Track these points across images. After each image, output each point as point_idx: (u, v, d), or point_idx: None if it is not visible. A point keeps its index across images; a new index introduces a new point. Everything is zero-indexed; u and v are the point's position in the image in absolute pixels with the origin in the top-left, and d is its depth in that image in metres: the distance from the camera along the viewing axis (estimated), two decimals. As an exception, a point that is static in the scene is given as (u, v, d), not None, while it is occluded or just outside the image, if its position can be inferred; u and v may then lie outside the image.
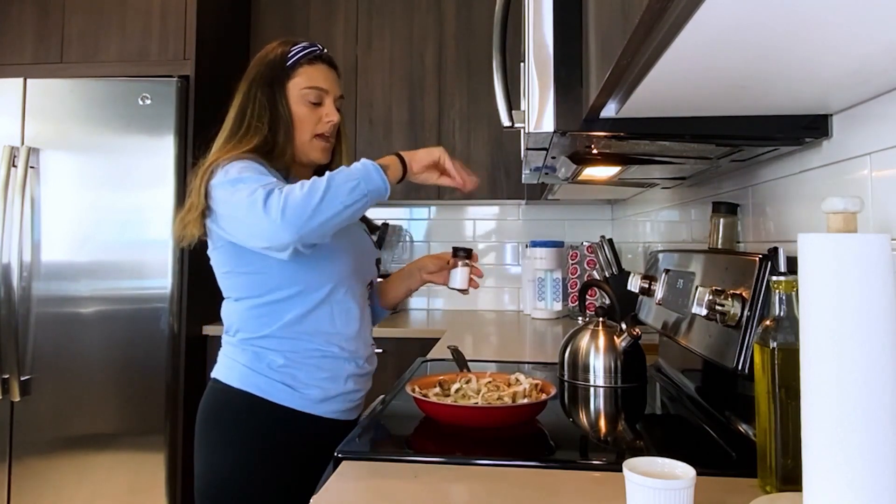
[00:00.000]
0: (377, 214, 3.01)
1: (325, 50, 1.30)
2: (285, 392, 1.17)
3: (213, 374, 1.22)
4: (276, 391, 1.16)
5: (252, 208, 1.03)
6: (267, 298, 1.18)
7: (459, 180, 1.19)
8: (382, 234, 2.90)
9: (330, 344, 1.21)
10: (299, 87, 1.23)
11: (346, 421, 1.25)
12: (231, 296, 1.22)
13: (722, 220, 1.36)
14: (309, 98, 1.24)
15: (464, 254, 1.38)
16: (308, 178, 1.29)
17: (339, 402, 1.23)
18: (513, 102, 1.10)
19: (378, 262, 1.41)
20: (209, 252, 1.23)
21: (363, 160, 1.10)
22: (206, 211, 1.14)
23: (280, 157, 1.21)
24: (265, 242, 1.05)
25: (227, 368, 1.20)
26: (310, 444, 1.18)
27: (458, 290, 1.37)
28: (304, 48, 1.25)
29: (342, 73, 1.35)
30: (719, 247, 1.36)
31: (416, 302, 3.17)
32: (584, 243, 2.84)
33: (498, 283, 3.16)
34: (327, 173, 1.07)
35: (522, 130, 1.07)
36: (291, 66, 1.24)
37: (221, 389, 1.19)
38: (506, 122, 1.09)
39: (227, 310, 1.24)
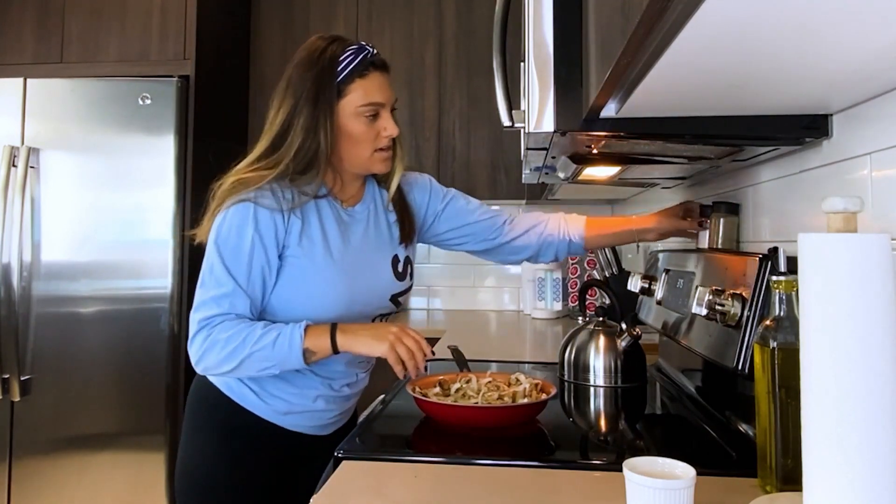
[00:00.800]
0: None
1: (376, 51, 1.17)
2: (251, 397, 1.15)
3: None
4: (243, 394, 1.15)
5: (191, 323, 1.10)
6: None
7: (401, 372, 1.08)
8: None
9: (303, 369, 1.13)
10: (354, 104, 1.12)
11: (314, 436, 1.21)
12: None
13: (722, 219, 1.36)
14: (365, 114, 1.14)
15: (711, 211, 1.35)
16: (354, 186, 1.23)
17: (305, 418, 1.18)
18: (513, 102, 1.10)
19: (404, 293, 1.27)
20: None
21: (293, 335, 1.04)
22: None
23: (314, 174, 1.13)
24: None
25: None
26: (271, 452, 1.17)
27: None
28: (355, 55, 1.13)
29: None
30: (719, 247, 1.36)
31: (416, 302, 3.17)
32: (584, 243, 2.84)
33: (498, 283, 3.16)
34: (253, 339, 1.04)
35: (522, 130, 1.07)
36: (343, 82, 1.12)
37: (201, 382, 1.20)
38: (506, 121, 1.09)
39: None
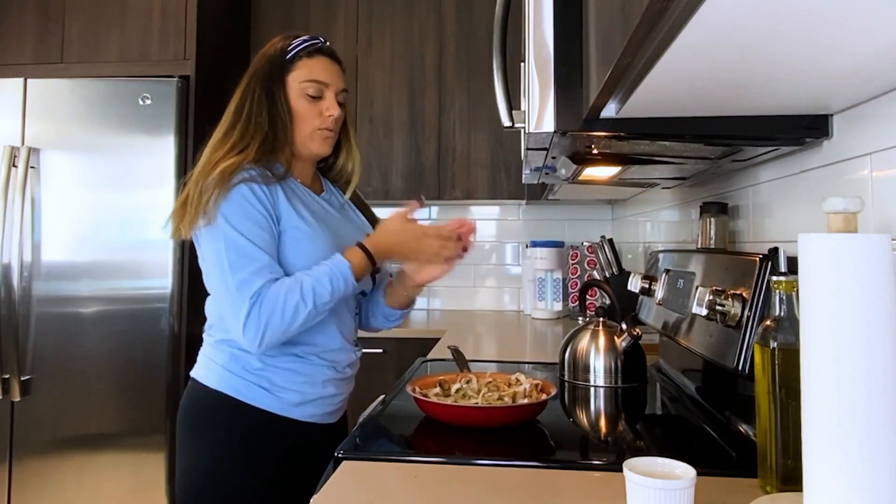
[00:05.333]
0: (378, 215, 3.00)
1: (327, 42, 1.25)
2: (262, 394, 1.14)
3: (192, 374, 1.21)
4: (253, 393, 1.14)
5: (233, 310, 1.07)
6: None
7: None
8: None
9: (307, 354, 1.17)
10: (298, 80, 1.19)
11: (325, 424, 1.22)
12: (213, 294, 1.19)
13: (713, 220, 1.36)
14: (308, 91, 1.19)
15: None
16: (309, 175, 1.26)
17: (317, 406, 1.19)
18: (513, 102, 1.10)
19: (377, 270, 1.31)
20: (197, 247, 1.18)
21: (341, 268, 1.09)
22: (196, 223, 1.11)
23: (280, 153, 1.18)
24: (234, 336, 1.11)
25: (205, 368, 1.18)
26: (287, 448, 1.16)
27: None
28: (304, 41, 1.21)
29: (346, 69, 1.30)
30: (712, 246, 1.36)
31: (416, 302, 3.17)
32: (585, 243, 2.84)
33: (498, 283, 3.16)
34: (310, 288, 1.07)
35: (523, 130, 1.07)
36: (290, 60, 1.20)
37: (199, 389, 1.17)
38: (506, 122, 1.09)
39: (209, 306, 1.22)
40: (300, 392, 1.16)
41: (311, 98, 1.20)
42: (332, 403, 1.22)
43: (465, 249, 1.22)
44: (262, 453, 1.14)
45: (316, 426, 1.20)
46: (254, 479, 1.13)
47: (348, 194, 1.34)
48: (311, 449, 1.19)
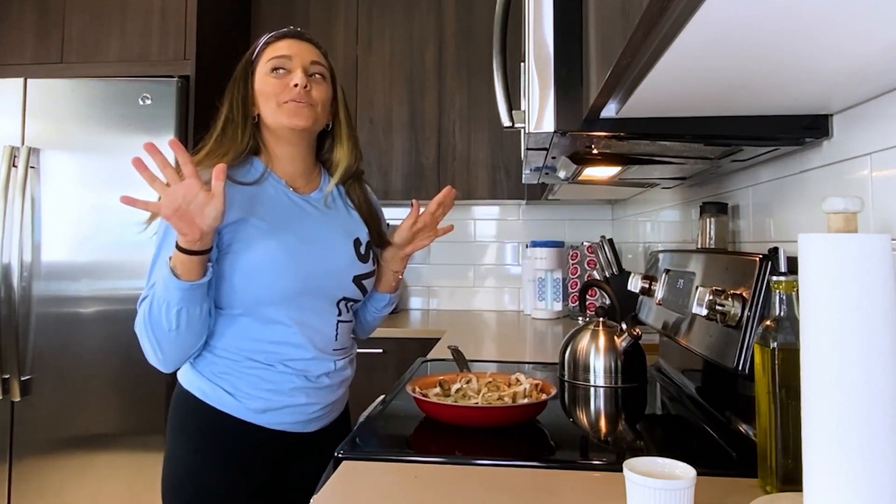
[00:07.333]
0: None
1: (293, 28, 1.23)
2: (226, 398, 1.11)
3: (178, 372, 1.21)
4: (218, 396, 1.11)
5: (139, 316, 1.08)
6: (210, 307, 1.12)
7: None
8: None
9: (273, 361, 1.13)
10: (262, 64, 1.18)
11: (301, 433, 1.16)
12: None
13: (714, 220, 1.36)
14: (271, 68, 1.16)
15: None
16: (299, 168, 1.22)
17: (285, 415, 1.13)
18: (513, 102, 1.10)
19: (364, 276, 1.23)
20: None
21: (165, 271, 1.02)
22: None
23: (260, 150, 1.19)
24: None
25: (184, 368, 1.17)
26: (256, 454, 1.13)
27: None
28: (271, 33, 1.21)
29: (331, 57, 1.26)
30: (712, 246, 1.36)
31: (416, 302, 3.17)
32: (585, 243, 2.84)
33: (498, 283, 3.16)
34: (155, 298, 1.03)
35: (523, 130, 1.07)
36: (257, 56, 1.19)
37: (179, 390, 1.17)
38: (506, 122, 1.09)
39: None
40: (265, 399, 1.12)
41: (276, 73, 1.16)
42: (306, 413, 1.16)
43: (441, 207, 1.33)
44: (231, 456, 1.12)
45: (289, 434, 1.15)
46: (224, 481, 1.11)
47: (331, 187, 1.25)
48: (286, 456, 1.16)
